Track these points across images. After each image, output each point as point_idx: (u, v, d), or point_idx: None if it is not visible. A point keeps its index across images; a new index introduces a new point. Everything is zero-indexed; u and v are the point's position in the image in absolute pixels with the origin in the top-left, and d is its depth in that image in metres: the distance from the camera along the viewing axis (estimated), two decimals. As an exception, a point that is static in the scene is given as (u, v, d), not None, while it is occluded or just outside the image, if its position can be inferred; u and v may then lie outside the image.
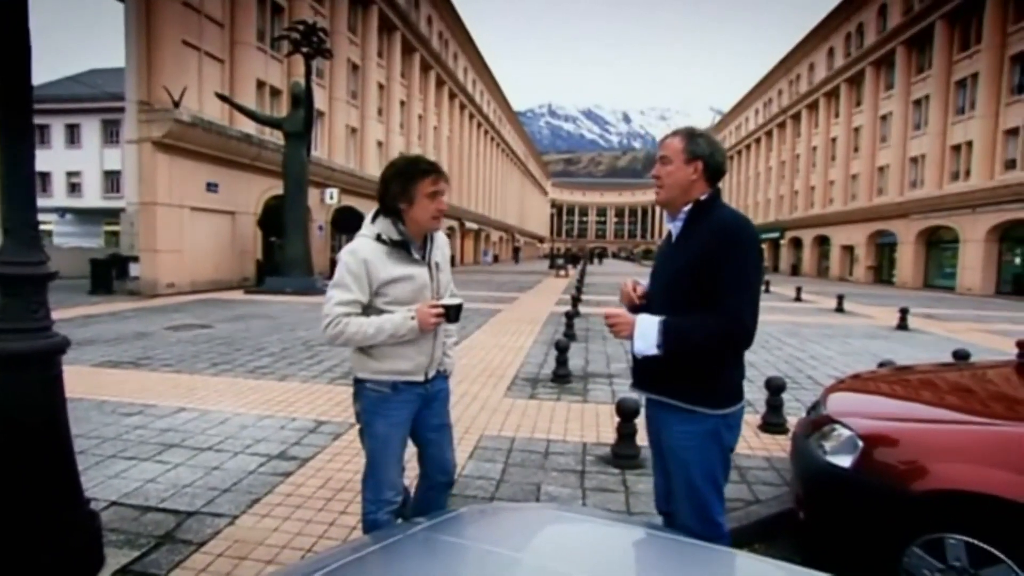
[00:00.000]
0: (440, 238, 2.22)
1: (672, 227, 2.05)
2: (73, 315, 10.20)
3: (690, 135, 1.99)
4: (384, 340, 2.00)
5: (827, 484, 2.57)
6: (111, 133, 34.56)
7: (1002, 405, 2.71)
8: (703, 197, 1.97)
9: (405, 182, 2.02)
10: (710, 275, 1.82)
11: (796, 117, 43.73)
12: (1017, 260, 23.82)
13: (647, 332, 1.84)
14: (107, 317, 10.18)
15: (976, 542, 2.14)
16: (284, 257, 16.16)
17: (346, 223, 22.45)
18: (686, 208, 1.98)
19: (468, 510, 1.83)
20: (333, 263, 19.81)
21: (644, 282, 2.15)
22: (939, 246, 27.92)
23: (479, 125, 48.97)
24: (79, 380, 5.38)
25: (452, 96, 40.37)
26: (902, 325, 11.08)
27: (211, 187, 16.09)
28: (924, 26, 28.22)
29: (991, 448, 2.28)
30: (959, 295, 23.52)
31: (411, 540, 1.48)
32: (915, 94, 29.68)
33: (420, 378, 2.13)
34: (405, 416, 2.14)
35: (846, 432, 2.58)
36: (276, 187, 17.48)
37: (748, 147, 55.14)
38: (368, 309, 2.05)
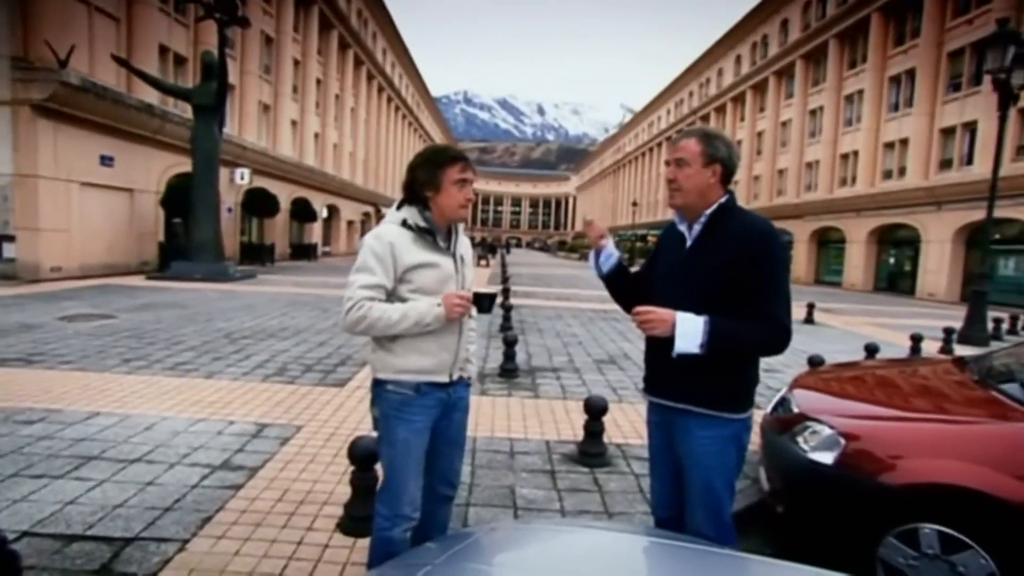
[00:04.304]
0: (463, 235, 2.14)
1: (685, 230, 2.01)
2: (-65, 303, 8.83)
3: (707, 136, 1.95)
4: (408, 328, 1.89)
5: (809, 480, 2.66)
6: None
7: (957, 402, 2.93)
8: (724, 200, 1.94)
9: (432, 169, 1.97)
10: (744, 279, 1.82)
11: (705, 119, 46.05)
12: (891, 260, 26.58)
13: (691, 330, 1.79)
14: (-21, 305, 8.89)
15: (948, 530, 2.29)
16: (192, 241, 14.85)
17: (257, 205, 21.06)
18: (708, 211, 1.94)
19: (484, 531, 1.71)
20: (243, 247, 18.51)
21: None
22: (828, 245, 30.54)
23: (397, 109, 47.63)
24: (-44, 382, 4.63)
25: (371, 78, 38.93)
26: (809, 319, 11.93)
27: (105, 161, 14.44)
28: (819, 43, 30.56)
29: (958, 442, 2.44)
30: (844, 290, 25.89)
31: (437, 572, 1.34)
32: (811, 104, 32.11)
33: (444, 378, 2.01)
34: (427, 423, 2.00)
35: (827, 430, 2.68)
36: (181, 164, 16.03)
37: (659, 144, 57.54)
38: (391, 297, 1.95)
